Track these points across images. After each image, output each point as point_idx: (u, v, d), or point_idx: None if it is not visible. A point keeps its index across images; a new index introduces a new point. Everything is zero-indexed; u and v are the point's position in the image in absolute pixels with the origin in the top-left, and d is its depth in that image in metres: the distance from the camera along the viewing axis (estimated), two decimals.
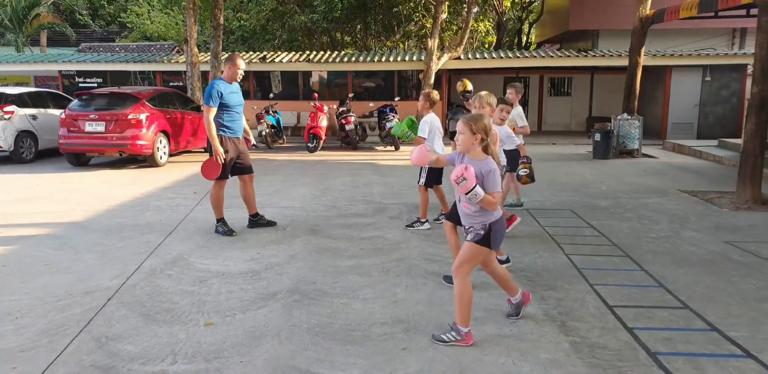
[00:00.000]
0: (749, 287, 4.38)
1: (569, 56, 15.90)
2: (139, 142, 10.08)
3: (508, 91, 7.05)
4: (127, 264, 4.89)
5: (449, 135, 15.30)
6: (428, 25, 20.66)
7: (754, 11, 11.30)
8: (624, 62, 15.38)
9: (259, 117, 13.68)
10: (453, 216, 4.38)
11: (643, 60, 12.93)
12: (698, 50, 16.19)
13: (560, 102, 18.46)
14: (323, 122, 13.18)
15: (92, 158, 11.09)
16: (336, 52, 18.54)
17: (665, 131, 15.94)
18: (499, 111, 5.66)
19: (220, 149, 5.64)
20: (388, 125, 13.35)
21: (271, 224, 6.23)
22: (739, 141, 12.63)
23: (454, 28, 21.96)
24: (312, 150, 13.01)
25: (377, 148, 14.07)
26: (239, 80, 5.84)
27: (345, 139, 13.81)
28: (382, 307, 3.97)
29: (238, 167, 5.93)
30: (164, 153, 10.71)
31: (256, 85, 17.48)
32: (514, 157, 6.96)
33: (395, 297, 4.17)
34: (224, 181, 5.87)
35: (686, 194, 8.11)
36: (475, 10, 21.41)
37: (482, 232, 3.35)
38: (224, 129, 5.76)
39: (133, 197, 7.79)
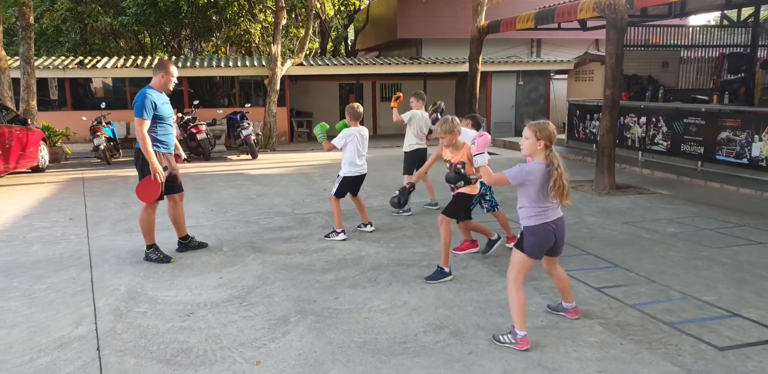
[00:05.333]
0: (679, 258, 5.16)
1: (405, 64, 16.77)
2: None
3: (411, 99, 7.36)
4: (76, 308, 4.13)
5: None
6: (253, 31, 20.20)
7: (565, 25, 13.11)
8: (454, 69, 16.78)
9: (94, 130, 12.21)
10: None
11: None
12: (511, 57, 18.18)
13: None
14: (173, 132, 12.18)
15: None
16: (167, 57, 17.24)
17: (489, 130, 17.60)
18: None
19: (159, 167, 5.02)
20: (245, 132, 12.82)
21: (202, 245, 5.70)
22: (561, 136, 14.52)
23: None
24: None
25: (230, 157, 13.42)
26: (171, 89, 5.25)
27: (196, 149, 12.93)
28: (407, 316, 3.92)
29: (168, 186, 5.33)
30: None
31: (72, 94, 15.55)
32: (408, 158, 7.29)
33: (408, 304, 4.14)
34: (158, 203, 5.23)
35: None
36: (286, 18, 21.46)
37: (519, 236, 3.51)
38: (158, 144, 5.14)
39: None
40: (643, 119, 11.12)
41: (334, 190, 6.00)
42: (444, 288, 4.44)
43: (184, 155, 5.74)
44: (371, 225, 6.27)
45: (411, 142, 7.31)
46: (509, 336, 3.47)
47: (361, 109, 6.12)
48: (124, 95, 15.99)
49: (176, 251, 5.52)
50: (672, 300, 4.16)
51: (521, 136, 3.51)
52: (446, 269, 4.63)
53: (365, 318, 3.90)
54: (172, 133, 5.29)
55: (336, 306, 4.11)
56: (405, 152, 7.36)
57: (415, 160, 7.26)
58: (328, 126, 6.04)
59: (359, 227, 6.31)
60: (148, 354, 3.40)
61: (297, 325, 3.79)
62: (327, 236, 6.00)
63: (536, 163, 3.42)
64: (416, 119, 7.24)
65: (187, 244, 5.61)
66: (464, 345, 3.47)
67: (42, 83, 15.62)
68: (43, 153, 11.32)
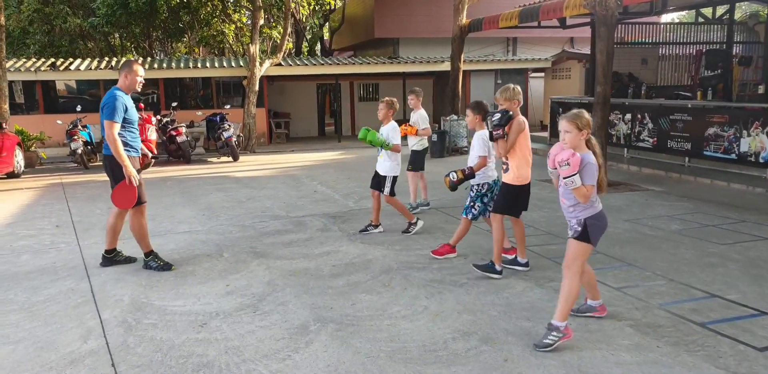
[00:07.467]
0: (690, 256, 5.14)
1: (384, 63, 16.64)
2: None
3: (409, 97, 7.31)
4: (81, 320, 3.90)
5: None
6: (227, 31, 19.83)
7: (544, 23, 13.15)
8: (432, 68, 16.73)
9: (71, 133, 11.77)
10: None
11: (447, 65, 14.13)
12: (488, 56, 18.20)
13: (370, 107, 19.20)
14: (153, 135, 11.84)
15: None
16: (140, 59, 16.82)
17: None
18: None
19: (133, 171, 4.77)
20: (226, 134, 12.53)
21: (129, 260, 5.19)
22: (544, 134, 14.56)
23: (248, 33, 21.38)
24: (144, 167, 11.59)
25: (210, 160, 13.13)
26: (139, 90, 5.04)
27: (176, 152, 12.60)
28: (431, 322, 3.79)
29: None
30: None
31: (44, 97, 15.02)
32: (419, 157, 7.30)
33: (428, 310, 4.01)
34: (143, 205, 5.01)
35: (546, 182, 9.09)
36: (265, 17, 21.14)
37: (579, 228, 3.40)
38: (128, 148, 4.86)
39: None
40: (628, 116, 11.19)
41: (389, 190, 5.96)
42: (462, 292, 4.32)
43: (150, 153, 5.46)
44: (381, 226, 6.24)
45: (415, 140, 7.28)
46: (554, 333, 3.35)
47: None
48: (97, 97, 15.51)
49: (100, 265, 5.09)
50: (696, 300, 4.11)
51: None
52: (498, 268, 4.59)
53: (388, 325, 3.76)
54: (139, 137, 5.07)
55: (355, 313, 3.96)
56: (415, 150, 7.29)
57: (423, 157, 7.34)
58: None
59: (368, 229, 6.17)
60: (167, 369, 3.20)
61: (318, 334, 3.63)
62: (407, 230, 6.06)
63: (586, 155, 3.32)
64: (422, 118, 7.26)
65: (111, 258, 5.13)
66: (498, 352, 3.35)
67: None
68: (18, 158, 10.88)
